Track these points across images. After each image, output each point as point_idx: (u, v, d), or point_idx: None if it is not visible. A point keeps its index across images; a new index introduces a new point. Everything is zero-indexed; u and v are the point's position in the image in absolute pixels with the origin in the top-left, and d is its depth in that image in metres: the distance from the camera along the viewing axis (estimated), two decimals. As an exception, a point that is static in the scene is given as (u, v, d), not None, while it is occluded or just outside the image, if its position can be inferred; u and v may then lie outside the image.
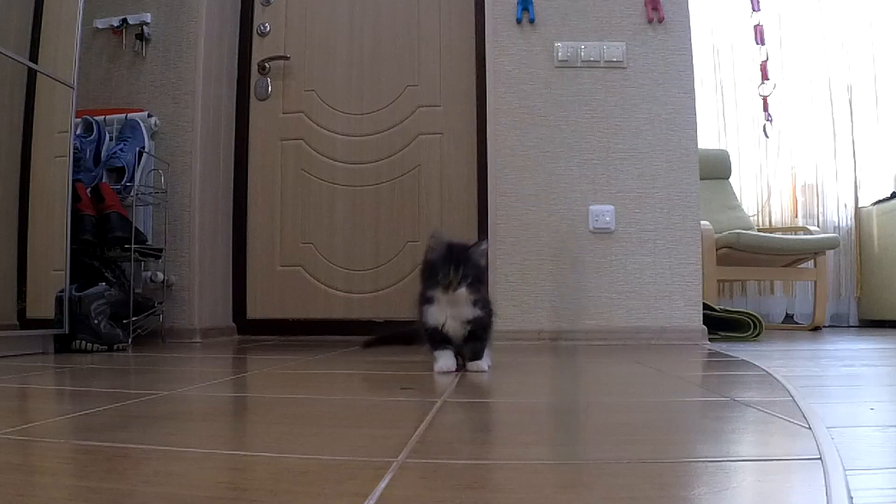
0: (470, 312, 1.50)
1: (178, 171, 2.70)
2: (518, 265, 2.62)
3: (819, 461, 0.66)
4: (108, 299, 2.21)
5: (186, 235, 2.69)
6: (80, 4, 2.17)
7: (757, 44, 4.21)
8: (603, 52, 2.67)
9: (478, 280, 1.48)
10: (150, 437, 0.81)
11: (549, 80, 2.68)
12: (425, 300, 1.51)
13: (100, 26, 2.81)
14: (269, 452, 0.74)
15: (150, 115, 2.69)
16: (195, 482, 0.62)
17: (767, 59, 4.20)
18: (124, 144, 2.55)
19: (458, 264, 1.44)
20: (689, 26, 2.70)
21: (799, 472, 0.65)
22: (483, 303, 1.52)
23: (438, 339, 1.53)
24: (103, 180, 2.47)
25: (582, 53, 2.67)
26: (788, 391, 1.17)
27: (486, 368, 1.53)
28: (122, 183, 2.51)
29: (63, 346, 2.09)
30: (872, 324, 4.03)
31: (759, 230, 3.96)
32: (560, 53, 2.68)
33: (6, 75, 2.01)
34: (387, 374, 1.58)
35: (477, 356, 1.54)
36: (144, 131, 2.61)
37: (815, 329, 3.67)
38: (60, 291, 2.08)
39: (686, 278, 2.60)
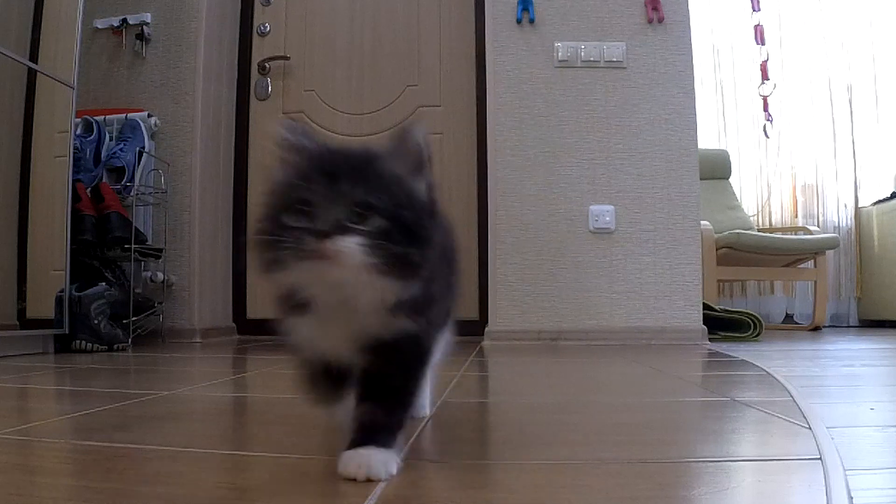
0: (377, 320, 0.61)
1: (178, 171, 2.70)
2: (518, 265, 2.62)
3: (819, 461, 0.66)
4: (108, 299, 2.21)
5: (186, 235, 2.69)
6: (80, 4, 2.17)
7: (757, 44, 4.21)
8: (603, 52, 2.67)
9: (405, 231, 0.59)
10: (150, 437, 0.81)
11: (549, 80, 2.68)
12: (287, 304, 0.63)
13: (100, 26, 2.81)
14: (269, 452, 0.74)
15: (150, 115, 2.69)
16: (195, 482, 0.62)
17: (767, 59, 4.20)
18: (124, 144, 2.55)
19: (340, 179, 0.58)
20: (689, 26, 2.70)
21: (799, 472, 0.65)
22: (415, 305, 0.62)
23: (323, 382, 0.69)
24: (103, 180, 2.47)
25: (582, 53, 2.67)
26: (788, 391, 1.17)
27: (383, 475, 0.60)
28: (122, 183, 2.51)
29: (63, 346, 2.09)
30: (872, 324, 4.03)
31: (759, 230, 3.96)
32: (560, 53, 2.68)
33: (6, 75, 2.01)
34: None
35: (368, 433, 0.63)
36: (144, 131, 2.61)
37: (815, 329, 3.67)
38: (60, 291, 2.08)
39: (686, 278, 2.60)
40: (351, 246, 0.56)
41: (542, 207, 2.64)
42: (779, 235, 3.82)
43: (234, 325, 3.01)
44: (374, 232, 0.57)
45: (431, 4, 3.09)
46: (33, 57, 2.08)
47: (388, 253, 0.57)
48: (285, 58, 3.08)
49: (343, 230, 0.56)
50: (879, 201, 4.02)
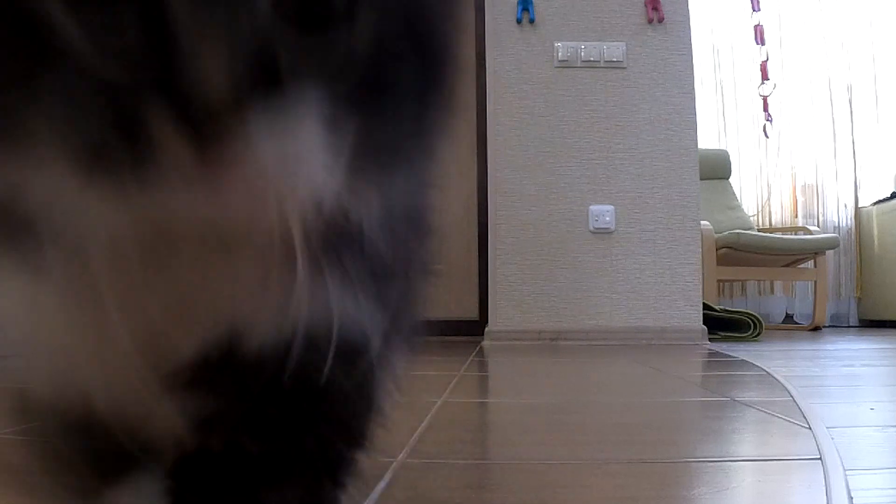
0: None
1: (178, 171, 2.69)
2: (518, 265, 2.62)
3: (819, 461, 0.66)
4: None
5: (186, 235, 2.69)
6: (80, 4, 2.17)
7: (757, 44, 4.20)
8: (603, 52, 2.67)
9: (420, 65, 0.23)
10: (150, 437, 0.81)
11: (549, 80, 2.68)
12: None
13: (100, 26, 2.81)
14: (269, 452, 0.74)
15: (150, 115, 2.69)
16: (195, 482, 0.62)
17: (767, 59, 4.20)
18: (124, 144, 2.55)
19: None
20: (689, 26, 2.70)
21: (799, 472, 0.65)
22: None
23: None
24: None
25: (582, 53, 2.67)
26: (788, 391, 1.17)
27: None
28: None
29: (63, 346, 2.09)
30: (872, 324, 4.03)
31: (759, 230, 3.96)
32: (560, 53, 2.68)
33: (6, 75, 2.01)
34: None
35: None
36: (144, 131, 2.61)
37: (815, 329, 3.67)
38: (60, 291, 2.08)
39: (686, 278, 2.60)
40: (300, 143, 0.22)
41: (542, 207, 2.64)
42: (779, 235, 3.82)
43: (234, 325, 3.01)
44: (355, 68, 0.22)
45: (431, 4, 3.09)
46: (33, 57, 2.08)
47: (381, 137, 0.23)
48: (285, 58, 3.08)
49: (269, 76, 0.21)
50: (879, 201, 4.02)
